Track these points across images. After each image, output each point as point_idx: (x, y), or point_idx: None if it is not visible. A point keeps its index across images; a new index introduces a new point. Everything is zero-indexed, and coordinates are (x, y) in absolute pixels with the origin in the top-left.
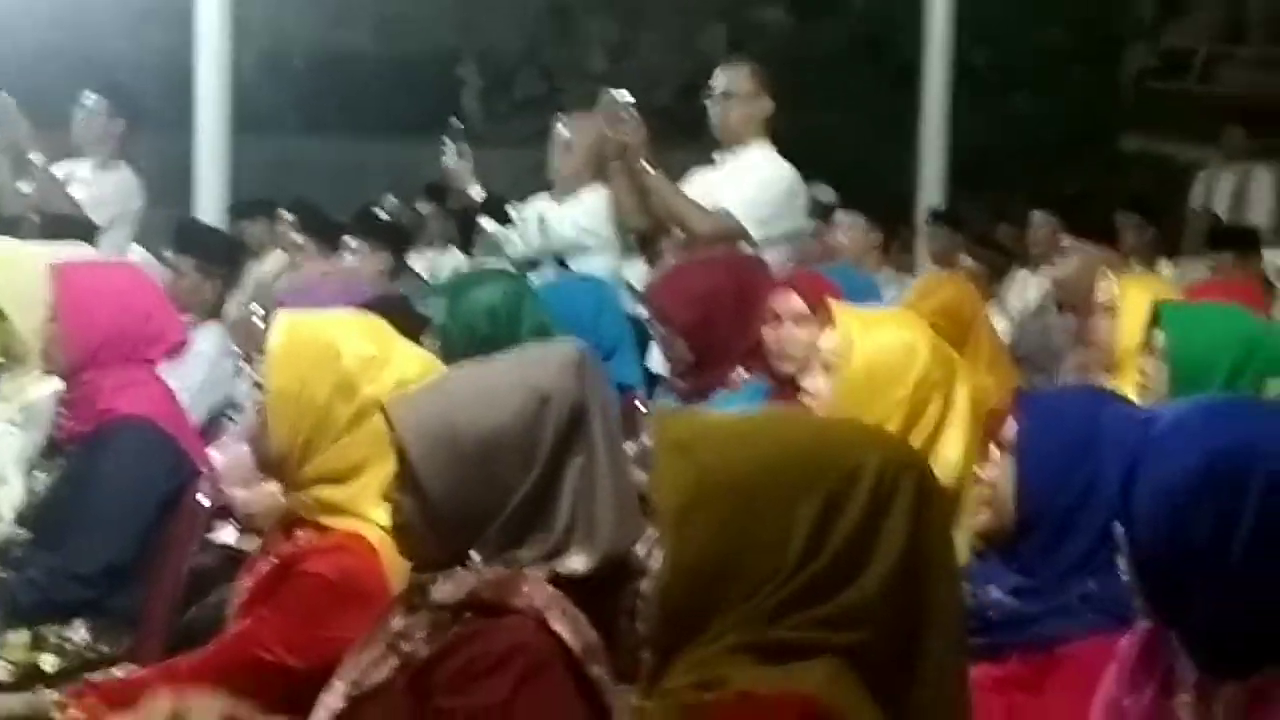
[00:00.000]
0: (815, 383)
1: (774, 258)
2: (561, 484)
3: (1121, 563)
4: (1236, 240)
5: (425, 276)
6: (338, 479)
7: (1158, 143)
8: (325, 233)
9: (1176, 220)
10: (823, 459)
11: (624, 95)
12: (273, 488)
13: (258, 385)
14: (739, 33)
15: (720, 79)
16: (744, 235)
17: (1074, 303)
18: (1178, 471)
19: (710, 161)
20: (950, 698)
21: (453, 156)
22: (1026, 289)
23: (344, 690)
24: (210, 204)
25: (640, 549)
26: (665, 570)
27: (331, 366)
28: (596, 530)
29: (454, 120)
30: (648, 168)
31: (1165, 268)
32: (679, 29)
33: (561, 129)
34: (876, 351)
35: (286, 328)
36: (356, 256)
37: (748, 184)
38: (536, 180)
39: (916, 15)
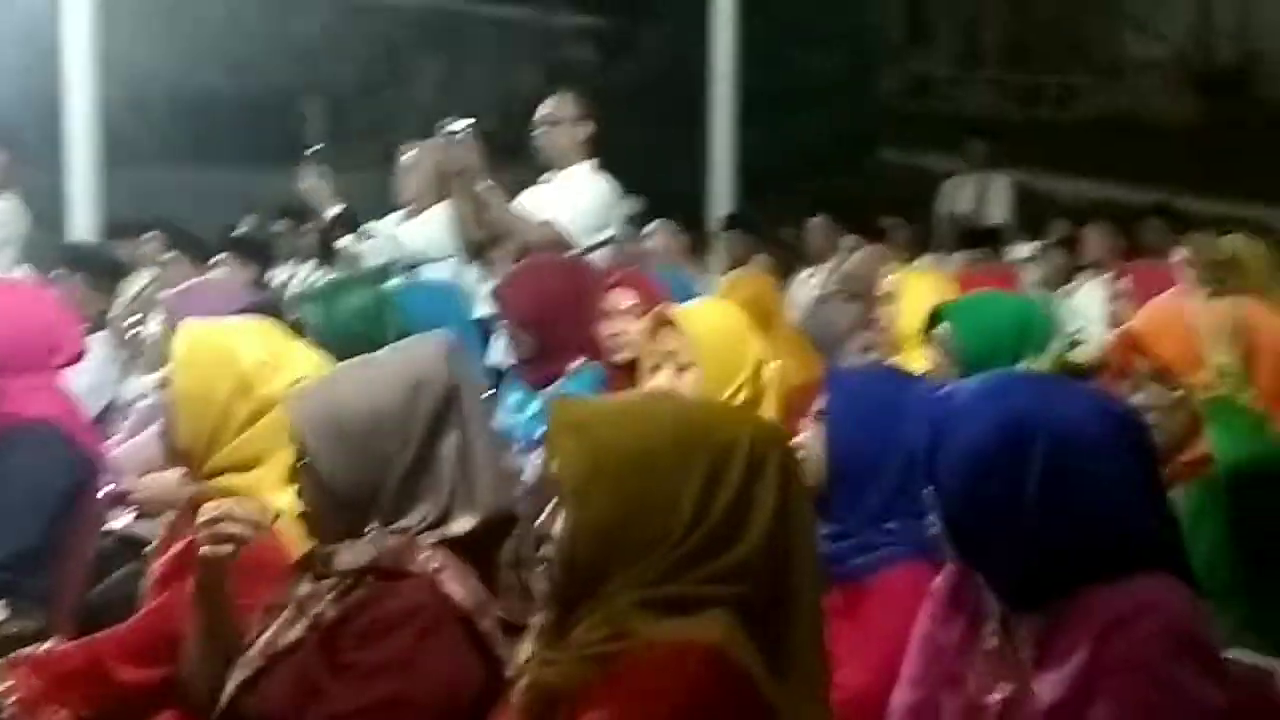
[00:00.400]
0: (671, 381)
1: (599, 261)
2: (440, 458)
3: (930, 517)
4: (986, 238)
5: (286, 289)
6: (240, 468)
7: (912, 155)
8: (194, 250)
9: (929, 221)
10: (702, 436)
11: (462, 123)
12: (165, 477)
13: (163, 386)
14: (553, 69)
15: (546, 107)
16: (571, 243)
17: (858, 291)
18: (974, 438)
19: (537, 181)
20: (817, 633)
21: (312, 178)
22: (808, 282)
23: (259, 650)
24: (83, 228)
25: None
26: (566, 536)
27: (231, 369)
28: (476, 496)
29: (312, 147)
30: (484, 186)
31: (923, 262)
32: (499, 67)
33: (407, 155)
34: (721, 345)
35: (188, 334)
36: (225, 270)
37: (575, 198)
38: (375, 201)
39: (704, 49)
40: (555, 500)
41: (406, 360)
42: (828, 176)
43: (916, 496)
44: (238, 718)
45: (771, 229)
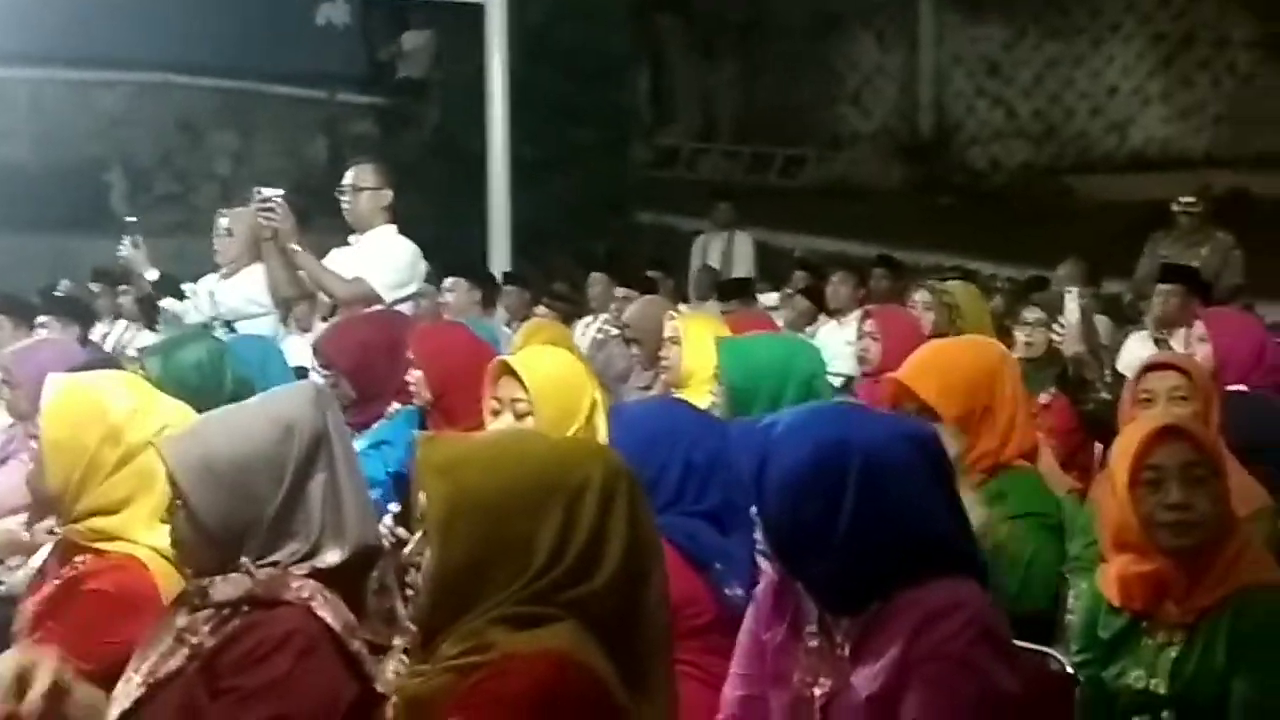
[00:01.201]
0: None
1: (405, 314)
2: (310, 496)
3: (756, 534)
4: (739, 288)
5: (107, 348)
6: (109, 511)
7: (662, 216)
8: (18, 311)
9: (684, 274)
10: (558, 476)
11: (273, 190)
12: (5, 524)
13: (33, 437)
14: (337, 142)
15: (350, 176)
16: (378, 298)
17: (636, 336)
18: (796, 463)
19: (338, 244)
20: (666, 648)
21: (129, 247)
22: (589, 329)
23: (140, 680)
24: None
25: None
26: (433, 570)
27: (99, 418)
28: (344, 530)
29: (128, 218)
30: (296, 248)
31: (684, 310)
32: (289, 139)
33: (222, 221)
34: (559, 390)
35: (58, 387)
36: (49, 330)
37: (381, 257)
38: (176, 262)
39: (480, 123)
40: (422, 533)
41: (277, 405)
42: (591, 235)
43: (690, 509)
44: None
45: (546, 283)
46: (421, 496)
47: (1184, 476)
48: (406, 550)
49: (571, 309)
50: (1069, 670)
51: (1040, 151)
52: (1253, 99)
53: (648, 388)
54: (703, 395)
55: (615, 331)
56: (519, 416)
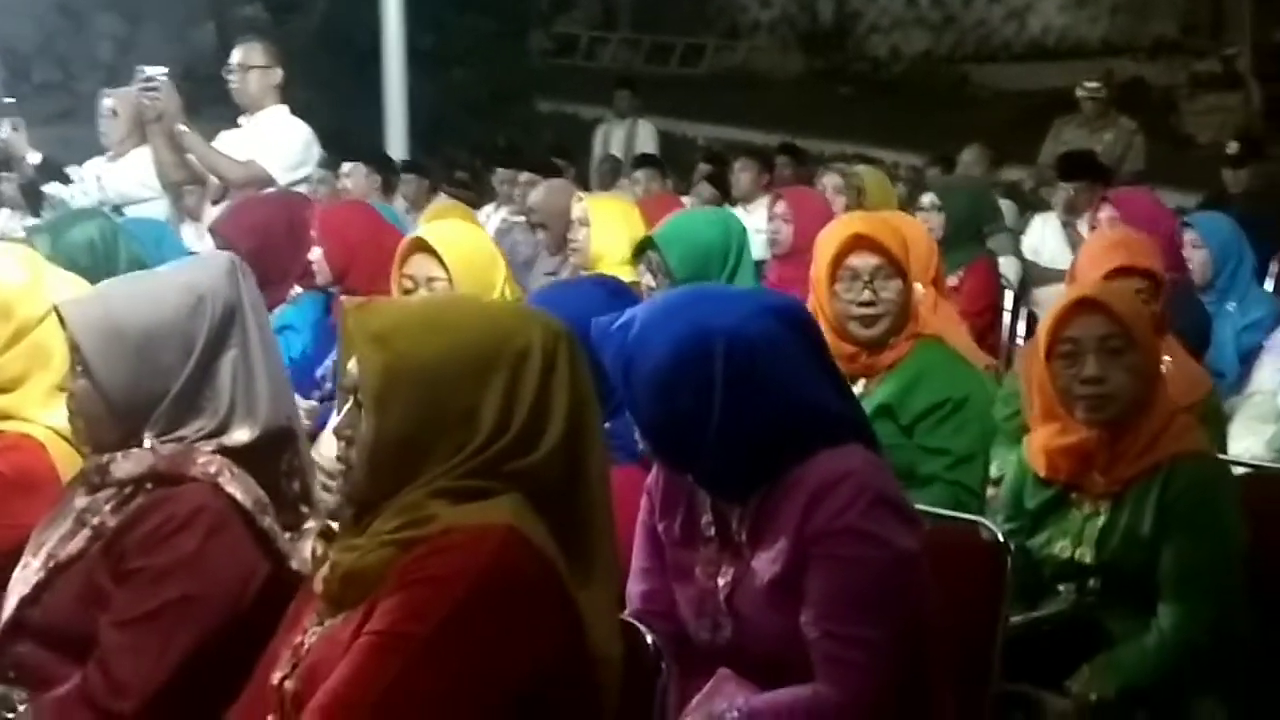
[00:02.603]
0: None
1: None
2: (220, 371)
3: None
4: (651, 161)
5: None
6: (1, 389)
7: (564, 105)
8: None
9: (587, 162)
10: (499, 341)
11: (157, 70)
12: None
13: None
14: (225, 27)
15: (238, 55)
16: (271, 181)
17: (542, 221)
18: (658, 358)
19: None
20: (608, 519)
21: (8, 130)
22: (492, 218)
23: (40, 564)
24: None
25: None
26: (370, 441)
27: None
28: (255, 410)
29: (7, 100)
30: (183, 129)
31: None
32: (175, 25)
33: (106, 102)
34: (474, 265)
35: None
36: None
37: (274, 138)
38: (61, 152)
39: (373, 10)
40: (351, 404)
41: (189, 274)
42: (490, 125)
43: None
44: (22, 632)
45: (445, 171)
46: (351, 365)
47: (1100, 349)
48: (335, 423)
49: (473, 197)
50: (1000, 539)
51: (940, 40)
52: None
53: (554, 273)
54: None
55: (519, 220)
56: (434, 292)
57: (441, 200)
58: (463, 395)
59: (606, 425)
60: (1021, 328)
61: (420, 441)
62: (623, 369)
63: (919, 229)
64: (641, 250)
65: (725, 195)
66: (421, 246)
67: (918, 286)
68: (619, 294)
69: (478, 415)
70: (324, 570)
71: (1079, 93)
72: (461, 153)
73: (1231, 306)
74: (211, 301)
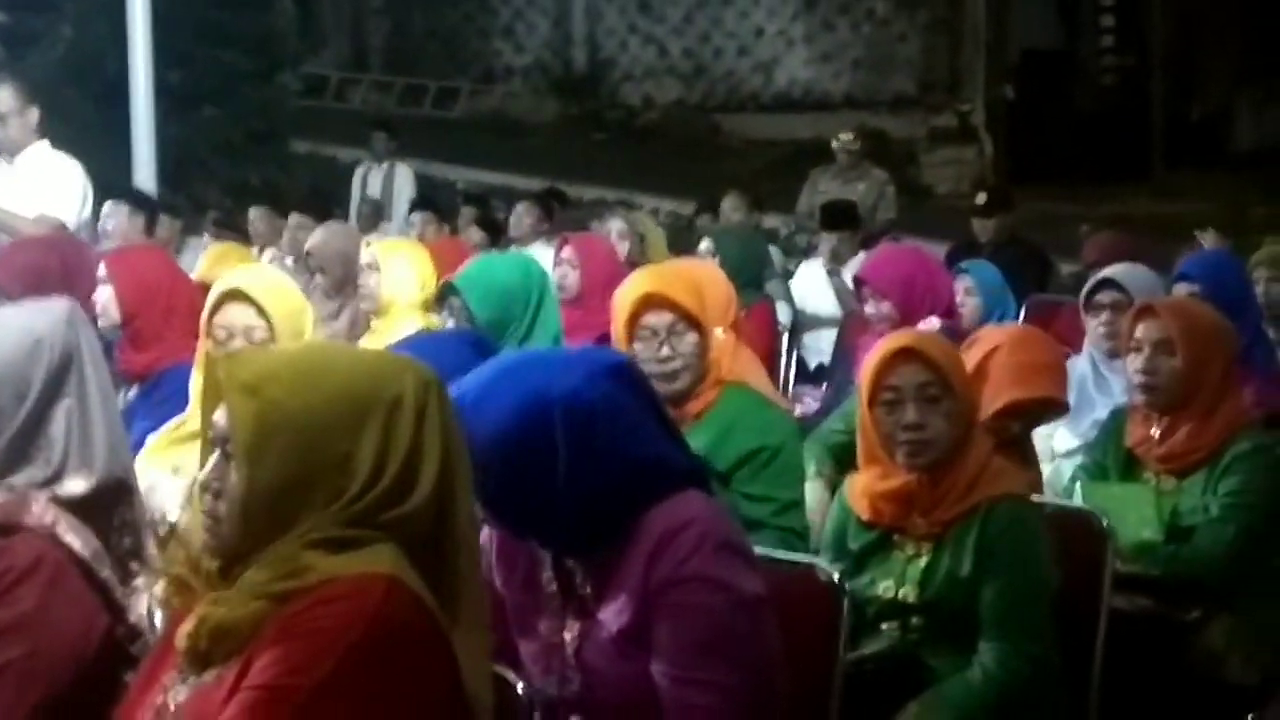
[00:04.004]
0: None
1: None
2: (54, 418)
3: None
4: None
5: None
6: None
7: (320, 146)
8: None
9: (346, 205)
10: (373, 390)
11: None
12: None
13: None
14: None
15: None
16: (64, 225)
17: (324, 265)
18: (496, 429)
19: None
20: (475, 564)
21: None
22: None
23: None
24: None
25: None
26: (242, 492)
27: None
28: (92, 459)
29: None
30: None
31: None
32: None
33: None
34: (291, 314)
35: None
36: None
37: (49, 180)
38: None
39: (120, 44)
40: (219, 455)
41: (28, 318)
42: (243, 166)
43: None
44: None
45: (196, 214)
46: (220, 416)
47: (919, 396)
48: (201, 474)
49: (243, 239)
50: (835, 580)
51: (691, 89)
52: (887, 43)
53: (334, 317)
54: (403, 324)
55: (289, 260)
56: (252, 343)
57: (209, 242)
58: (338, 443)
59: None
60: (792, 371)
61: (295, 491)
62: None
63: (715, 274)
64: (443, 295)
65: (494, 238)
66: (236, 295)
67: (718, 331)
68: (480, 346)
69: (353, 463)
70: (187, 625)
71: (834, 144)
72: (211, 193)
73: None
74: (50, 346)
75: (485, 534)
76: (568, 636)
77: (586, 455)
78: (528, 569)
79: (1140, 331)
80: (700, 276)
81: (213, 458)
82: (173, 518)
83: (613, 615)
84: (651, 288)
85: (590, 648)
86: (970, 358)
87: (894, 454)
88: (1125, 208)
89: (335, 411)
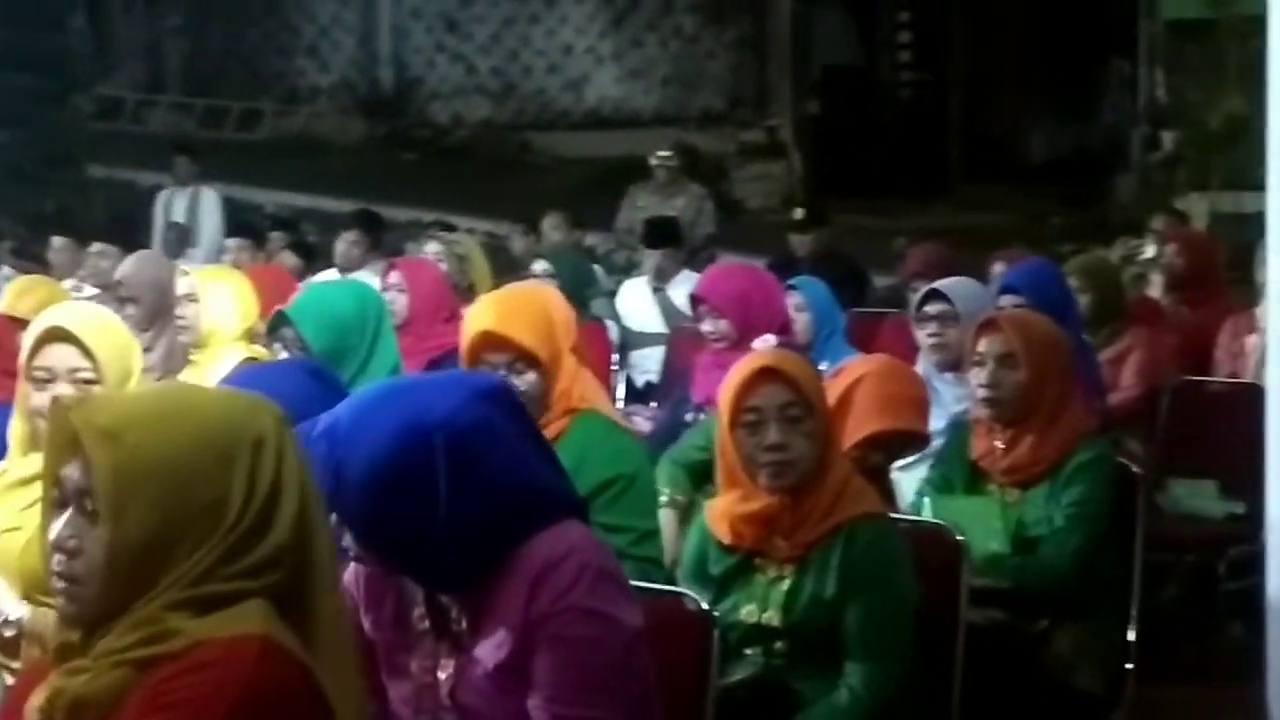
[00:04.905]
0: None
1: None
2: None
3: (345, 539)
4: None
5: None
6: None
7: (118, 170)
8: None
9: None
10: (237, 429)
11: None
12: None
13: None
14: None
15: None
16: None
17: (136, 295)
18: (373, 459)
19: None
20: (340, 605)
21: None
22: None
23: None
24: None
25: None
26: (107, 549)
27: None
28: None
29: None
30: None
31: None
32: None
33: None
34: (117, 352)
35: None
36: None
37: None
38: None
39: None
40: (72, 512)
41: None
42: (37, 191)
43: None
44: None
45: None
46: (71, 470)
47: (781, 417)
48: (54, 535)
49: (43, 269)
50: (704, 609)
51: (501, 108)
52: (695, 60)
53: (148, 349)
54: (226, 357)
55: (91, 291)
56: (79, 386)
57: (9, 273)
58: (207, 489)
59: None
60: (621, 390)
61: (164, 542)
62: (333, 474)
63: (557, 298)
64: (275, 326)
65: (309, 263)
66: (58, 334)
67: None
68: (320, 376)
69: (223, 508)
70: (37, 699)
71: (652, 161)
72: (3, 221)
73: (824, 365)
74: None
75: (350, 573)
76: (441, 675)
77: (467, 482)
78: (396, 607)
79: (983, 345)
80: (546, 303)
81: (65, 515)
82: (13, 614)
83: (490, 650)
84: (489, 325)
85: (465, 686)
86: (835, 387)
87: (756, 476)
88: (928, 220)
89: (201, 456)
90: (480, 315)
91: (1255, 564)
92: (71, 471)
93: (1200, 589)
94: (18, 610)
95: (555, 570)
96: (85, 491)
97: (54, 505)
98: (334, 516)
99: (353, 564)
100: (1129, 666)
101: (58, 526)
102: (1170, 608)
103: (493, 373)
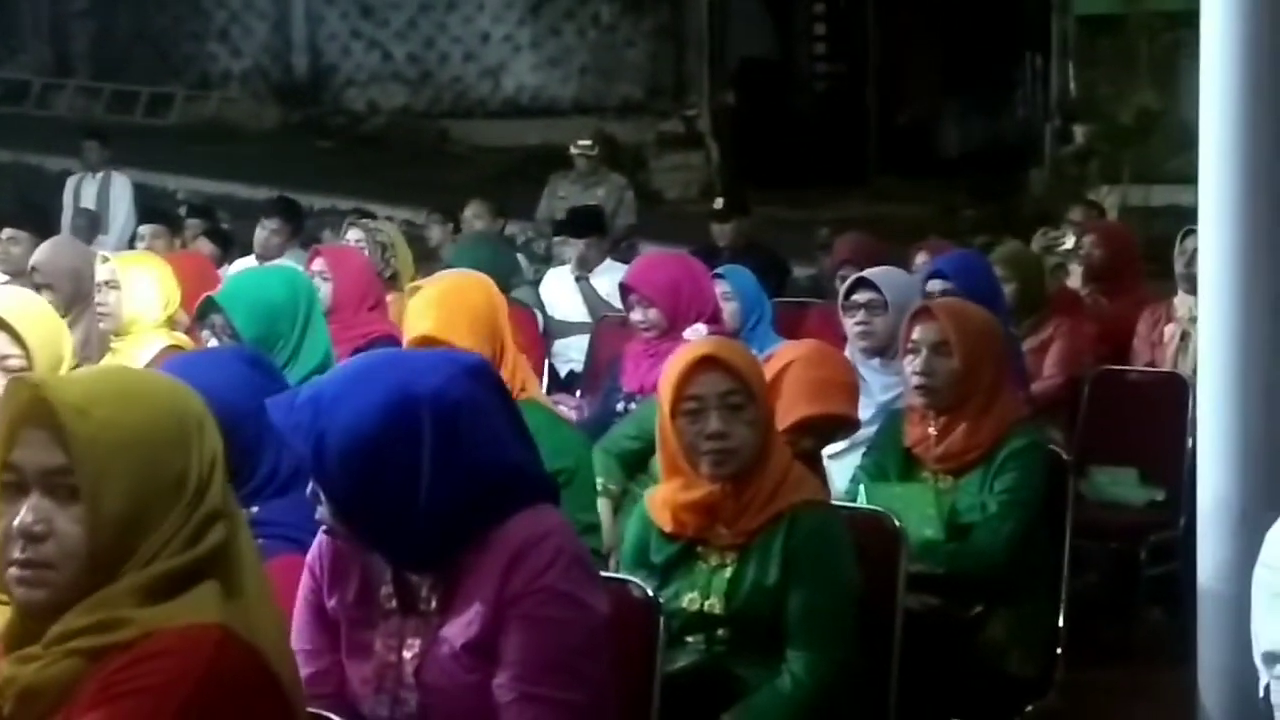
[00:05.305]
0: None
1: None
2: None
3: (320, 510)
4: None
5: None
6: None
7: (24, 154)
8: None
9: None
10: (185, 407)
11: None
12: None
13: None
14: None
15: None
16: None
17: (53, 282)
18: (358, 428)
19: None
20: (259, 564)
21: None
22: None
23: None
24: None
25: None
26: (89, 526)
27: None
28: None
29: None
30: None
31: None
32: None
33: None
34: (48, 335)
35: None
36: None
37: None
38: None
39: None
40: (38, 495)
41: None
42: None
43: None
44: None
45: None
46: (34, 451)
47: (721, 405)
48: (18, 521)
49: None
50: (650, 596)
51: (418, 95)
52: (614, 49)
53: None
54: (147, 344)
55: (2, 277)
56: (9, 373)
57: None
58: (175, 462)
59: (255, 510)
60: (544, 379)
61: (140, 517)
62: (315, 443)
63: (489, 288)
64: (204, 313)
65: (225, 250)
66: None
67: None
68: (257, 364)
69: (186, 481)
70: None
71: (572, 150)
72: None
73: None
74: None
75: (315, 550)
76: (407, 654)
77: (451, 457)
78: (361, 585)
79: (917, 333)
80: (484, 297)
81: (30, 499)
82: None
83: (459, 629)
84: (430, 330)
85: (430, 664)
86: (764, 372)
87: (697, 464)
88: (844, 211)
89: (166, 431)
90: (419, 318)
91: (1175, 550)
92: (32, 454)
93: (1121, 575)
94: None
95: (533, 551)
96: (54, 470)
97: (7, 493)
98: (311, 485)
99: (318, 540)
100: (1059, 651)
101: (20, 513)
102: (1092, 593)
103: None
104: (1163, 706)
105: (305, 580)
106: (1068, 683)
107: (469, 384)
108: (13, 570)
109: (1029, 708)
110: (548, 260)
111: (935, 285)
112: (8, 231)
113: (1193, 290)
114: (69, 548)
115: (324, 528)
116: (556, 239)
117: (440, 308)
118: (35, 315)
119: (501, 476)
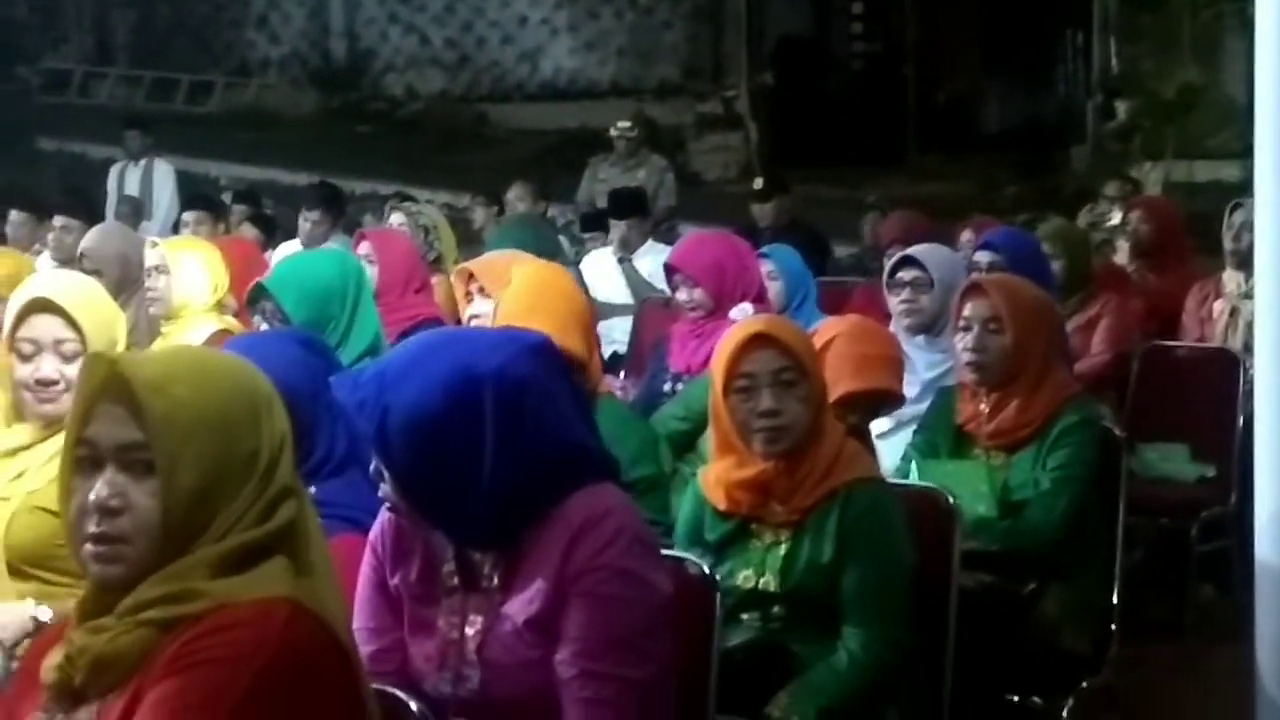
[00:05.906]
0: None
1: None
2: None
3: (383, 488)
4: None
5: None
6: None
7: (69, 143)
8: None
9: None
10: (256, 387)
11: None
12: None
13: None
14: None
15: None
16: None
17: (101, 267)
18: (422, 405)
19: None
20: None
21: None
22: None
23: None
24: None
25: None
26: (164, 500)
27: None
28: None
29: None
30: None
31: None
32: None
33: None
34: (103, 319)
35: None
36: None
37: None
38: None
39: None
40: (113, 470)
41: None
42: None
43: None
44: None
45: None
46: (106, 427)
47: (774, 382)
48: (93, 496)
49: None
50: (707, 573)
51: (455, 80)
52: (651, 31)
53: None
54: (197, 328)
55: (52, 264)
56: (66, 359)
57: None
58: (245, 441)
59: (312, 490)
60: None
61: (214, 492)
62: (379, 420)
63: (570, 283)
64: (254, 298)
65: (269, 236)
66: (43, 305)
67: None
68: (311, 346)
69: (258, 459)
70: (55, 658)
71: (612, 132)
72: None
73: None
74: None
75: (378, 528)
76: (470, 631)
77: (514, 434)
78: (423, 563)
79: (969, 310)
80: (570, 297)
81: (105, 474)
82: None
83: (521, 606)
84: (520, 320)
85: (493, 641)
86: None
87: (750, 442)
88: (885, 190)
89: (237, 408)
90: (512, 309)
91: (1226, 526)
92: (107, 429)
93: (1172, 551)
94: (45, 612)
95: (595, 528)
96: (130, 445)
97: (81, 468)
98: (374, 463)
99: (381, 518)
100: (1113, 627)
101: (96, 487)
102: (1142, 570)
103: None
104: (1215, 683)
105: (368, 558)
106: (1121, 659)
107: (531, 362)
108: (89, 545)
109: (1083, 684)
110: (585, 243)
111: (983, 257)
112: (60, 220)
113: (1241, 265)
114: (143, 522)
115: (387, 506)
116: (586, 235)
117: (532, 313)
118: (89, 299)
119: (563, 454)
